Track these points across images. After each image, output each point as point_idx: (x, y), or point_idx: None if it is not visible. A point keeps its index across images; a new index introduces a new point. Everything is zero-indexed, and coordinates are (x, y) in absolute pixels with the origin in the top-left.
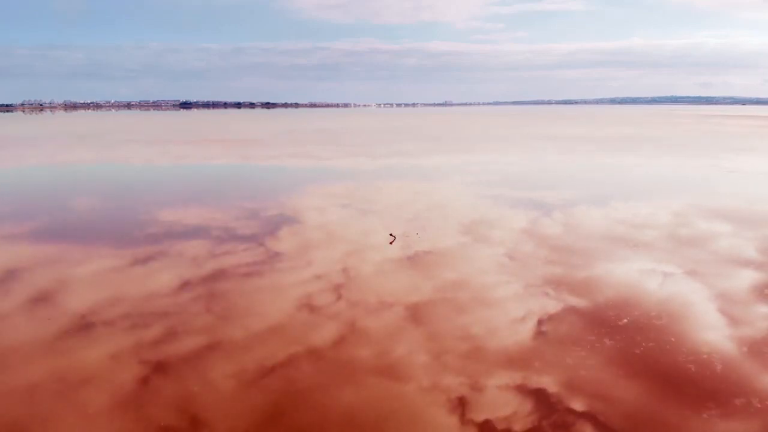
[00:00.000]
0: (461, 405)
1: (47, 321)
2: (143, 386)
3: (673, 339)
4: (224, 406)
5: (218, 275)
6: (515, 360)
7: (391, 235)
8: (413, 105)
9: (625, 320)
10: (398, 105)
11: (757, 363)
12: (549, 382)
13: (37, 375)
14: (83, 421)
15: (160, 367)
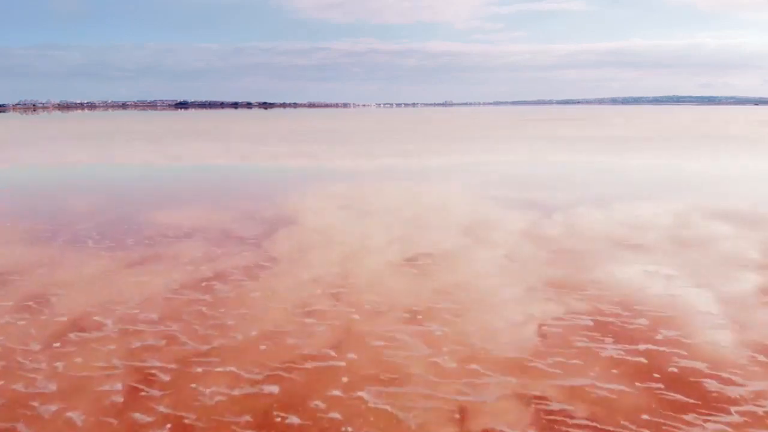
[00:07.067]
0: (460, 413)
1: (36, 326)
2: (134, 395)
3: (676, 343)
4: (217, 416)
5: (214, 279)
6: (516, 366)
7: None
8: (413, 105)
9: (628, 324)
10: (398, 105)
11: (761, 367)
12: (550, 389)
13: (26, 381)
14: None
15: (152, 375)
